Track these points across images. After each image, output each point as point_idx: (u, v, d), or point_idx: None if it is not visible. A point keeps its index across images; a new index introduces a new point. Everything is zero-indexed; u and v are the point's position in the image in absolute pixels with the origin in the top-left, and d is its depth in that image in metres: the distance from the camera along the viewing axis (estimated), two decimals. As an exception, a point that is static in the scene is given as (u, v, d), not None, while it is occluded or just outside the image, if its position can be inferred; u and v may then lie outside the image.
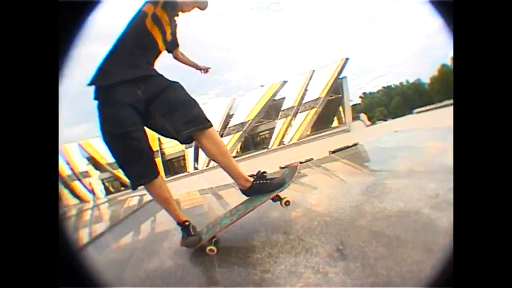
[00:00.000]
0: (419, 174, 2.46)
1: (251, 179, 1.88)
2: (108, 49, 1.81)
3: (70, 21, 0.93)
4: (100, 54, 1.78)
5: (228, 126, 36.04)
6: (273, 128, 35.60)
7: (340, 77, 35.63)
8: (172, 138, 1.85)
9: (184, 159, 37.86)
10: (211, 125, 1.81)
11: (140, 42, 1.81)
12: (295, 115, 34.09)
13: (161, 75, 1.90)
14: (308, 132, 33.01)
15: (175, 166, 39.71)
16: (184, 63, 2.33)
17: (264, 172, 1.91)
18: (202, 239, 1.77)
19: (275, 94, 36.21)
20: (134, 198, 8.10)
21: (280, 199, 1.87)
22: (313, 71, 36.71)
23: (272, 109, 36.53)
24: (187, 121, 1.75)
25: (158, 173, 1.82)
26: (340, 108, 37.10)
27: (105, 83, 1.74)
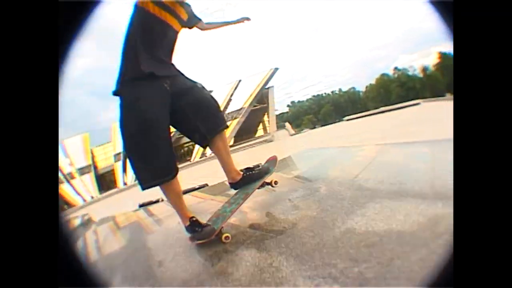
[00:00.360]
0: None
1: (241, 172, 2.09)
2: (122, 45, 1.78)
3: (70, 21, 0.93)
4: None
5: None
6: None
7: (267, 86, 35.20)
8: (189, 137, 1.97)
9: (113, 174, 35.89)
10: (227, 126, 1.98)
11: (155, 31, 1.78)
12: None
13: (183, 74, 1.95)
14: (231, 143, 31.44)
15: (107, 181, 36.60)
16: (216, 28, 2.30)
17: (250, 167, 2.14)
18: (215, 228, 1.77)
19: None
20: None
21: (268, 183, 2.19)
22: (239, 80, 36.28)
23: None
24: (218, 123, 1.93)
25: (177, 170, 1.84)
26: (266, 118, 36.58)
27: (131, 76, 1.71)
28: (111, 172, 36.07)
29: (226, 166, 2.07)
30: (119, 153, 34.43)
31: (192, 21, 2.12)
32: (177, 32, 1.94)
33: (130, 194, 18.07)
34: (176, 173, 1.82)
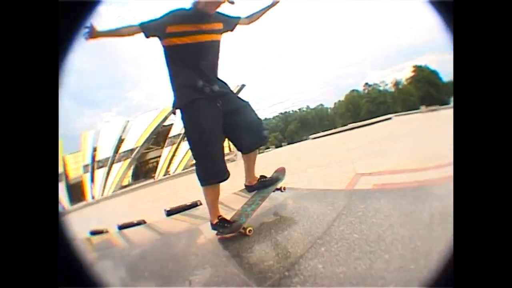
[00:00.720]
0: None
1: (257, 177, 2.49)
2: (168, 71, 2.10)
3: (70, 21, 0.93)
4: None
5: (119, 152, 32.04)
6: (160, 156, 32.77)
7: None
8: (235, 144, 2.32)
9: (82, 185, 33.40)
10: (268, 141, 2.39)
11: (196, 55, 2.05)
12: (179, 143, 31.33)
13: (233, 92, 2.32)
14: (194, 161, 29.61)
15: (77, 193, 33.91)
16: (258, 18, 2.44)
17: (264, 175, 2.53)
18: (242, 223, 2.07)
19: (165, 119, 32.73)
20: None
21: (278, 189, 2.58)
22: None
23: (160, 136, 33.32)
24: (261, 138, 2.28)
25: (229, 175, 2.16)
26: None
27: (187, 100, 2.04)
28: (80, 183, 33.55)
29: (249, 171, 2.47)
30: (87, 165, 32.37)
31: (231, 24, 2.29)
32: (218, 42, 2.18)
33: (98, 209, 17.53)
34: (228, 177, 2.15)
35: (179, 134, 30.97)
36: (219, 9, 2.12)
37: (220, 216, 2.14)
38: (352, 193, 2.81)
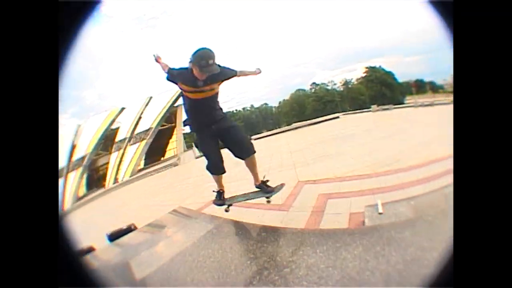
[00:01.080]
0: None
1: (260, 180, 3.17)
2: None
3: (70, 21, 0.93)
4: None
5: (72, 159, 28.98)
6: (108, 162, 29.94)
7: (176, 104, 30.51)
8: (231, 152, 3.01)
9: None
10: (255, 152, 3.02)
11: (201, 107, 2.90)
12: (125, 147, 28.83)
13: (226, 114, 3.09)
14: (141, 167, 28.20)
15: None
16: (245, 76, 3.17)
17: (267, 180, 3.21)
18: (225, 204, 3.24)
19: (112, 123, 30.43)
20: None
21: (267, 199, 3.21)
22: (150, 97, 31.63)
23: (108, 140, 30.40)
24: (245, 151, 2.97)
25: (223, 171, 3.04)
26: (175, 138, 32.40)
27: (192, 129, 3.12)
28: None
29: (253, 175, 3.14)
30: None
31: (228, 77, 2.91)
32: (216, 93, 2.90)
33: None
34: (223, 172, 3.05)
35: (125, 139, 29.14)
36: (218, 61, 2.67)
37: (221, 189, 3.24)
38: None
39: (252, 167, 3.10)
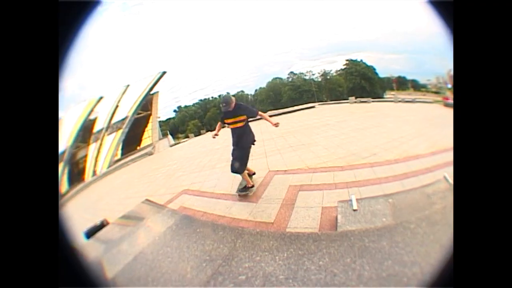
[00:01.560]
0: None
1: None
2: None
3: (70, 21, 0.93)
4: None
5: None
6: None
7: (152, 92, 31.66)
8: None
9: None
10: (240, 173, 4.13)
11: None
12: (103, 138, 28.80)
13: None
14: (118, 157, 28.07)
15: None
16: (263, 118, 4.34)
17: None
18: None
19: (90, 113, 30.63)
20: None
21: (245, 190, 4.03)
22: (128, 85, 32.66)
23: (87, 131, 30.80)
24: (232, 169, 4.09)
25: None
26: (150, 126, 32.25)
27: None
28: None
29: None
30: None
31: (253, 114, 4.23)
32: (246, 122, 4.20)
33: None
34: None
35: (102, 129, 28.34)
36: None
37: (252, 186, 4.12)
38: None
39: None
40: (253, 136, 4.23)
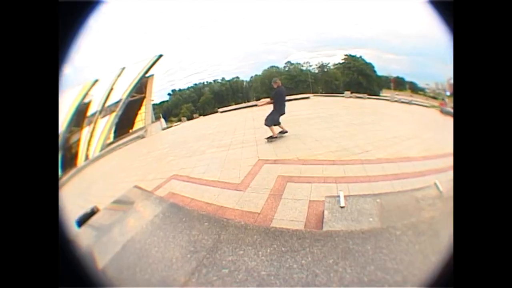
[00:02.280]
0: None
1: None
2: None
3: (70, 21, 0.91)
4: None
5: None
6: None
7: (148, 75, 31.39)
8: None
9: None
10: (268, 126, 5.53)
11: None
12: (96, 121, 28.40)
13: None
14: (111, 140, 27.73)
15: None
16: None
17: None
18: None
19: (85, 96, 30.23)
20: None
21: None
22: (123, 68, 32.38)
23: (80, 115, 30.35)
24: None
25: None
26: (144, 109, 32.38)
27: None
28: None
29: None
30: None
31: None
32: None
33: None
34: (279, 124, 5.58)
35: (96, 112, 27.72)
36: None
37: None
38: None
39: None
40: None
